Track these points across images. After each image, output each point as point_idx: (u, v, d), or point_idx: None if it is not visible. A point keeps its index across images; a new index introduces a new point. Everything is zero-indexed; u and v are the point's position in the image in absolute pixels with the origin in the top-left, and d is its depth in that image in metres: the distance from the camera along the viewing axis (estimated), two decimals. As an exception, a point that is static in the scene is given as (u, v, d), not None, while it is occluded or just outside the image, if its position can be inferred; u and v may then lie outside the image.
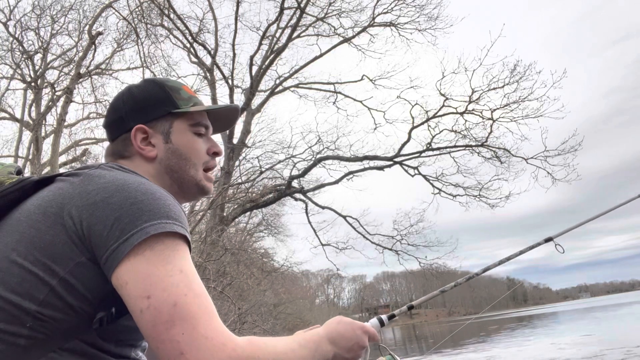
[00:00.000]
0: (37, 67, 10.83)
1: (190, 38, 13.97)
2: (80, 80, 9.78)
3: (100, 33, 9.17)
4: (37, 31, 10.80)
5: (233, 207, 13.69)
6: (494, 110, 13.66)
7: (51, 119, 10.43)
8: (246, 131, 14.92)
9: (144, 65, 10.40)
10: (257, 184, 15.02)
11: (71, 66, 10.74)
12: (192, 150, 1.05)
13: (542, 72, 13.11)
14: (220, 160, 13.56)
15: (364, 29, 15.09)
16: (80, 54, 9.60)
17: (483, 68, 13.39)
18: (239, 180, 14.28)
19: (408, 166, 15.07)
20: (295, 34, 15.00)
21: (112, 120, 1.07)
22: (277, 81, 15.91)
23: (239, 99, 15.02)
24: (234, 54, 14.57)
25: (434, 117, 14.43)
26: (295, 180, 15.02)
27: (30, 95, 10.91)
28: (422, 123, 14.58)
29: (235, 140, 14.46)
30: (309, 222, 15.82)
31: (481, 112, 13.88)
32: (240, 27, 19.72)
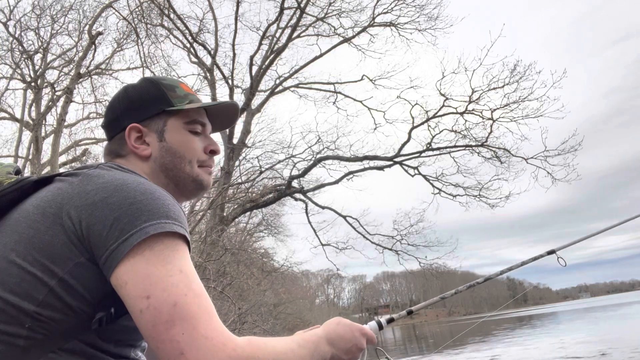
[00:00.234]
0: (37, 67, 10.84)
1: (190, 38, 13.98)
2: (80, 80, 9.78)
3: (100, 33, 9.17)
4: (37, 31, 10.81)
5: (233, 207, 13.69)
6: (494, 110, 13.67)
7: (51, 119, 10.45)
8: (246, 131, 14.93)
9: (144, 65, 10.42)
10: (257, 184, 15.04)
11: (71, 66, 10.74)
12: (187, 148, 1.04)
13: (542, 72, 13.14)
14: (220, 160, 13.57)
15: (364, 29, 15.10)
16: (80, 54, 9.61)
17: (483, 68, 13.42)
18: (239, 180, 14.28)
19: (408, 166, 15.08)
20: (295, 34, 15.01)
21: (109, 120, 1.07)
22: (277, 81, 15.94)
23: (239, 99, 15.02)
24: (234, 54, 14.59)
25: (434, 117, 14.44)
26: (295, 180, 15.03)
27: (30, 95, 10.92)
28: (422, 123, 14.60)
29: (235, 140, 14.46)
30: (309, 222, 15.85)
31: (481, 112, 13.89)
32: (240, 27, 19.75)
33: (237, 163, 14.80)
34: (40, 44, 10.90)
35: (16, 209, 0.88)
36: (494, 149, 14.09)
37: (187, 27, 13.62)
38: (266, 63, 14.94)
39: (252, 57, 14.58)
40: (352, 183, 15.56)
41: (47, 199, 0.85)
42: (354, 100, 15.95)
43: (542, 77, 13.13)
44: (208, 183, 1.09)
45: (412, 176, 15.08)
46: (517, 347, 14.96)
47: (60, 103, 9.27)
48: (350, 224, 15.53)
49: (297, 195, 15.42)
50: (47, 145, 10.13)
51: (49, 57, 11.21)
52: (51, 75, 11.34)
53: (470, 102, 13.79)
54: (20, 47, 10.56)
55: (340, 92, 16.13)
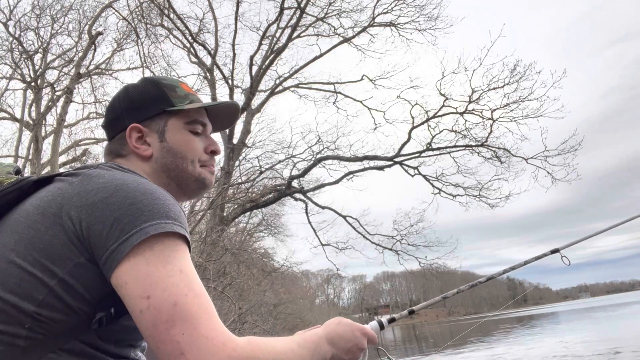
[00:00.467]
0: (37, 67, 10.83)
1: (190, 38, 13.98)
2: (80, 80, 9.78)
3: (100, 33, 9.17)
4: (37, 31, 10.81)
5: (233, 207, 13.69)
6: (494, 110, 13.68)
7: (51, 119, 10.45)
8: (246, 131, 14.93)
9: (144, 65, 10.41)
10: (257, 184, 15.04)
11: (71, 66, 10.73)
12: (188, 148, 1.04)
13: (542, 72, 13.14)
14: (220, 160, 13.57)
15: (364, 29, 15.10)
16: (80, 54, 9.60)
17: (483, 68, 13.43)
18: (239, 180, 14.28)
19: (408, 166, 15.09)
20: (295, 34, 15.01)
21: (110, 120, 1.07)
22: (277, 81, 15.94)
23: (239, 99, 15.02)
24: (234, 54, 14.59)
25: (434, 117, 14.44)
26: (295, 180, 15.03)
27: (30, 95, 10.92)
28: (422, 123, 14.60)
29: (235, 140, 14.46)
30: (309, 222, 15.85)
31: (481, 112, 13.90)
32: (240, 27, 19.75)
33: (237, 163, 14.81)
34: (40, 44, 10.91)
35: (16, 209, 0.88)
36: (494, 149, 14.11)
37: (187, 27, 13.63)
38: (266, 63, 14.94)
39: (252, 57, 14.59)
40: (352, 183, 15.59)
41: (47, 199, 0.85)
42: (354, 100, 15.97)
43: (542, 77, 13.15)
44: (210, 182, 1.09)
45: (412, 176, 15.10)
46: (519, 346, 14.96)
47: (60, 103, 9.27)
48: (350, 224, 15.54)
49: (297, 195, 15.42)
50: (47, 145, 10.14)
51: (49, 57, 11.21)
52: (51, 75, 11.34)
53: (470, 102, 13.80)
54: (20, 47, 10.56)
55: (340, 92, 16.15)
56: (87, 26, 10.11)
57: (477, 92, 13.63)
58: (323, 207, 15.48)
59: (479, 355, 13.78)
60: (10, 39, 10.52)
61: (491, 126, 13.80)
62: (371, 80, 15.47)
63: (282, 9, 14.32)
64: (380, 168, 15.25)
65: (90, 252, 0.79)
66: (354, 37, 15.29)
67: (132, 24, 10.00)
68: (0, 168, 0.97)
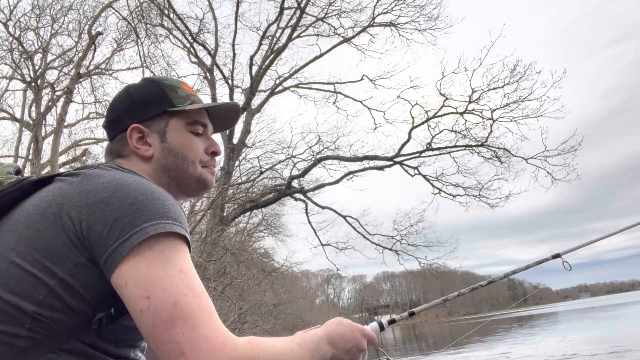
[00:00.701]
0: (37, 67, 10.83)
1: (190, 38, 13.99)
2: (80, 80, 9.78)
3: (100, 33, 9.17)
4: (36, 31, 10.81)
5: (233, 207, 13.70)
6: (494, 110, 13.69)
7: (51, 119, 10.45)
8: (246, 131, 14.93)
9: (144, 65, 10.42)
10: (257, 184, 15.04)
11: (71, 66, 10.74)
12: (189, 148, 1.04)
13: (542, 72, 13.16)
14: (220, 160, 13.57)
15: (364, 29, 15.11)
16: (80, 54, 9.61)
17: (483, 68, 13.46)
18: (239, 180, 14.28)
19: (408, 166, 15.09)
20: (295, 34, 15.02)
21: (111, 120, 1.07)
22: (277, 81, 15.94)
23: (239, 99, 15.03)
24: (234, 54, 14.60)
25: (434, 117, 14.45)
26: (295, 180, 15.04)
27: (30, 95, 10.91)
28: (422, 123, 14.61)
29: (235, 140, 14.46)
30: (309, 222, 15.85)
31: (481, 112, 13.91)
32: (240, 27, 19.75)
33: (237, 163, 14.82)
34: (40, 44, 10.90)
35: (16, 209, 0.88)
36: (494, 149, 14.12)
37: (187, 27, 13.64)
38: (266, 63, 14.95)
39: (252, 57, 14.60)
40: (352, 183, 15.60)
41: (47, 199, 0.85)
42: (354, 100, 15.98)
43: (542, 77, 13.17)
44: (211, 182, 1.09)
45: (412, 176, 15.10)
46: (520, 346, 14.96)
47: (60, 103, 9.27)
48: (350, 224, 15.55)
49: (297, 195, 15.43)
50: (47, 145, 10.14)
51: (49, 57, 11.21)
52: (51, 75, 11.35)
53: (470, 102, 13.81)
54: (20, 47, 10.56)
55: (340, 92, 16.15)
56: (87, 26, 10.13)
57: (477, 92, 13.66)
58: (323, 207, 15.50)
59: (483, 355, 13.77)
60: (10, 39, 10.53)
61: (491, 126, 13.82)
62: (371, 80, 15.48)
63: (282, 9, 14.33)
64: (380, 168, 15.26)
65: (91, 252, 0.79)
66: (354, 37, 15.31)
67: (132, 24, 10.00)
68: (1, 168, 0.97)
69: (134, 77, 12.10)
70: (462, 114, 14.11)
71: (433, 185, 14.94)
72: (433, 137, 14.52)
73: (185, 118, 1.05)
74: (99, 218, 0.79)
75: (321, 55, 15.56)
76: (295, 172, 15.17)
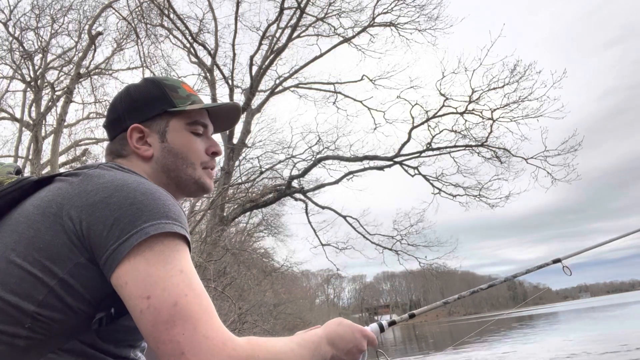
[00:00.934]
0: (37, 67, 10.82)
1: (190, 38, 13.99)
2: (80, 80, 9.79)
3: (100, 33, 9.18)
4: (36, 31, 10.80)
5: (233, 207, 13.70)
6: (494, 110, 13.69)
7: (51, 119, 10.45)
8: (246, 131, 14.94)
9: (144, 65, 10.42)
10: (257, 184, 15.05)
11: (71, 66, 10.74)
12: (189, 149, 1.04)
13: (542, 72, 13.15)
14: (220, 160, 13.57)
15: (364, 29, 15.11)
16: (80, 54, 9.60)
17: (483, 68, 13.44)
18: (239, 180, 14.29)
19: (408, 166, 15.09)
20: (295, 34, 15.02)
21: (111, 120, 1.07)
22: (277, 81, 15.94)
23: (239, 99, 15.03)
24: (234, 54, 14.60)
25: (434, 117, 14.45)
26: (295, 180, 15.04)
27: (30, 96, 10.91)
28: (422, 123, 14.61)
29: (235, 140, 14.47)
30: (309, 222, 15.85)
31: (481, 112, 13.91)
32: (240, 27, 19.75)
33: (237, 163, 14.82)
34: (40, 44, 10.90)
35: (16, 209, 0.88)
36: (494, 149, 14.12)
37: (187, 27, 13.63)
38: (266, 63, 14.96)
39: (252, 57, 14.60)
40: (352, 183, 15.59)
41: (47, 199, 0.85)
42: (354, 100, 15.97)
43: (542, 77, 13.17)
44: (209, 186, 1.09)
45: (412, 176, 15.10)
46: (521, 346, 14.96)
47: (60, 103, 9.27)
48: (350, 224, 15.55)
49: (297, 195, 15.43)
50: (47, 145, 10.14)
51: (49, 57, 11.21)
52: (51, 75, 11.34)
53: (470, 102, 13.81)
54: (20, 47, 10.56)
55: (340, 92, 16.15)
56: (87, 26, 10.12)
57: (477, 92, 13.66)
58: (323, 207, 15.49)
59: (487, 354, 13.76)
60: (10, 39, 10.53)
61: (491, 126, 13.83)
62: (371, 80, 15.48)
63: (282, 9, 14.33)
64: (380, 168, 15.26)
65: (91, 252, 0.79)
66: (354, 37, 15.31)
67: (132, 24, 10.00)
68: (1, 168, 0.97)
69: (134, 77, 12.12)
70: (462, 114, 14.12)
71: (433, 185, 14.95)
72: (433, 137, 14.54)
73: (185, 118, 1.05)
74: (99, 218, 0.79)
75: (321, 55, 15.57)
76: (295, 172, 15.18)
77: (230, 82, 14.71)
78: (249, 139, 15.15)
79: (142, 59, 10.28)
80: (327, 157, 15.29)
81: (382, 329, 1.14)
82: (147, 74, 10.41)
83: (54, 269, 0.79)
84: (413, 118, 14.68)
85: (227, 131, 13.71)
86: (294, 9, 14.37)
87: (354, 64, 38.66)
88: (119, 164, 0.98)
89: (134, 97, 1.05)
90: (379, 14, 14.73)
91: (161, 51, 13.12)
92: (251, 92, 14.64)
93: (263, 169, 15.16)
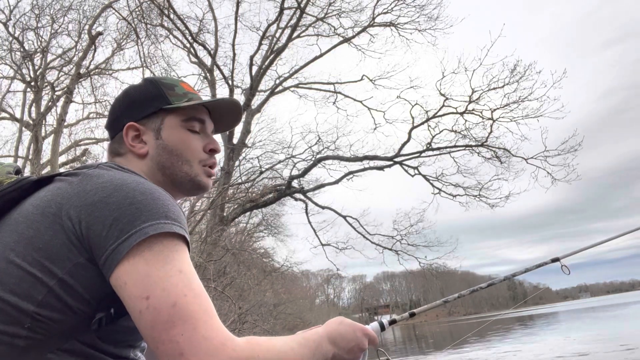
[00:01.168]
0: (37, 68, 10.82)
1: (190, 38, 13.98)
2: (80, 80, 9.79)
3: (100, 33, 9.18)
4: (36, 31, 10.79)
5: (233, 207, 13.70)
6: (494, 110, 13.70)
7: (51, 119, 10.45)
8: (246, 131, 14.94)
9: (144, 65, 10.42)
10: (257, 184, 15.06)
11: (71, 66, 10.73)
12: (184, 146, 1.03)
13: (542, 72, 13.16)
14: (220, 160, 13.57)
15: (364, 29, 15.11)
16: (80, 54, 9.62)
17: (483, 68, 13.45)
18: (239, 180, 14.29)
19: (408, 166, 15.10)
20: (295, 34, 15.03)
21: (111, 120, 1.08)
22: (277, 81, 15.95)
23: (239, 99, 15.02)
24: (234, 54, 14.59)
25: (434, 117, 14.46)
26: (295, 180, 15.04)
27: (30, 96, 10.91)
28: (422, 123, 14.62)
29: (235, 141, 14.47)
30: (309, 222, 15.85)
31: (481, 112, 13.92)
32: (240, 27, 19.74)
33: (237, 163, 14.82)
34: (40, 44, 10.90)
35: (16, 209, 0.88)
36: (494, 149, 14.13)
37: (187, 27, 13.63)
38: (266, 63, 14.96)
39: (252, 57, 14.60)
40: (352, 183, 15.60)
41: (46, 199, 0.85)
42: (354, 100, 15.98)
43: (542, 77, 13.18)
44: (206, 185, 1.08)
45: (412, 176, 15.11)
46: (522, 345, 14.95)
47: (60, 103, 9.28)
48: (350, 224, 15.55)
49: (297, 195, 15.43)
50: (47, 145, 10.14)
51: (49, 57, 11.21)
52: (51, 75, 11.34)
53: (470, 102, 13.81)
54: (20, 47, 10.56)
55: (340, 92, 16.16)
56: (87, 26, 10.13)
57: (477, 92, 13.67)
58: (323, 207, 15.50)
59: (487, 354, 13.75)
60: (10, 39, 10.53)
61: (491, 126, 13.83)
62: (371, 80, 15.49)
63: (282, 9, 14.33)
64: (380, 168, 15.26)
65: (90, 252, 0.79)
66: (354, 37, 15.32)
67: (132, 24, 10.01)
68: (0, 168, 0.97)
69: (134, 77, 12.12)
70: (462, 114, 14.12)
71: (433, 185, 14.95)
72: (433, 137, 14.54)
73: (181, 115, 1.05)
74: (98, 218, 0.79)
75: (321, 55, 15.57)
76: (295, 172, 15.19)
77: (230, 82, 14.72)
78: (249, 139, 15.17)
79: (142, 59, 10.29)
80: (327, 157, 15.30)
81: (382, 327, 1.14)
82: (147, 74, 10.42)
83: (53, 269, 0.78)
84: (413, 118, 14.71)
85: (227, 131, 13.70)
86: (294, 9, 14.38)
87: (354, 64, 38.73)
88: (117, 163, 0.98)
89: (131, 97, 1.06)
90: (379, 14, 14.76)
91: (161, 51, 13.16)
92: (251, 92, 14.64)
93: (263, 169, 15.18)
